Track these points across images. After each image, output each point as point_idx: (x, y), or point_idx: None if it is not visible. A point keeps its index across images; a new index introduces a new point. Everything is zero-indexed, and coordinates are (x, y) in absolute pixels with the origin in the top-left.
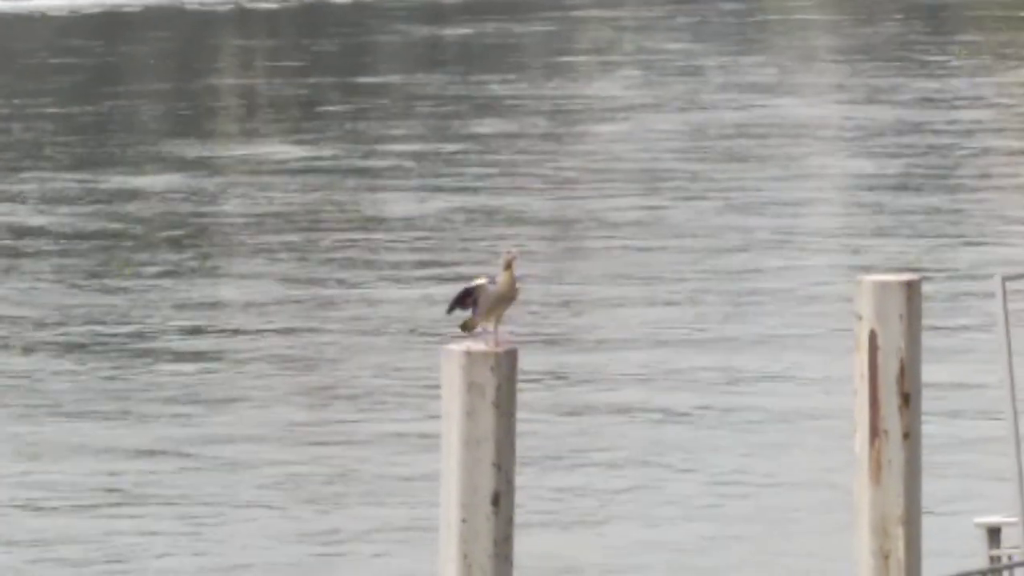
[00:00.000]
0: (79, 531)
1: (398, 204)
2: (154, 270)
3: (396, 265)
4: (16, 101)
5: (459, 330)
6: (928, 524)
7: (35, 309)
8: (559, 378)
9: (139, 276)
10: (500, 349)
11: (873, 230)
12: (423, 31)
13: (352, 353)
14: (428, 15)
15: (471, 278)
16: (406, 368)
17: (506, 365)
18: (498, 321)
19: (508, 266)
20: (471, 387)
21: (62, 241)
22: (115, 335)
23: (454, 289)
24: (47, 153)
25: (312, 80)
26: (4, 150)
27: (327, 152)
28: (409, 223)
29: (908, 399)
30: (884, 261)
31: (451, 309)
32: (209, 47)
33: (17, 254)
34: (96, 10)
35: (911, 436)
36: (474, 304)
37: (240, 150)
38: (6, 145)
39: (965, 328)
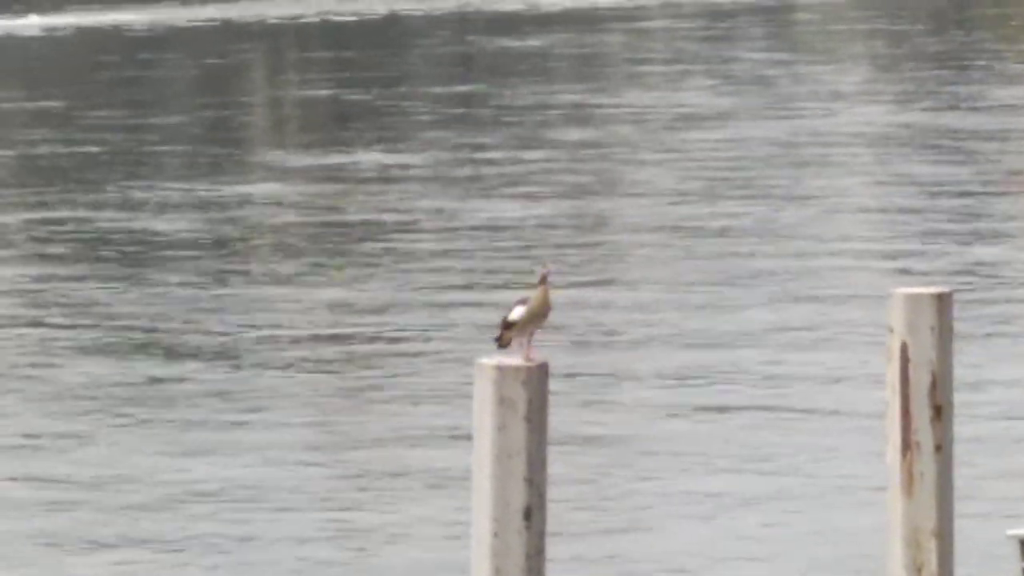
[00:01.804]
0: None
1: (494, 210)
2: (269, 275)
3: (494, 271)
4: (104, 113)
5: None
6: (960, 536)
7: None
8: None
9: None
10: (532, 363)
11: (959, 235)
12: (497, 43)
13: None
14: (500, 27)
15: (510, 307)
16: None
17: (537, 379)
18: (531, 336)
19: (543, 281)
20: (503, 401)
21: (182, 247)
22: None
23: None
24: (155, 161)
25: (400, 90)
26: (108, 160)
27: (418, 160)
28: (504, 229)
29: (940, 411)
30: (969, 266)
31: (500, 344)
32: (292, 59)
33: (138, 261)
34: (180, 23)
35: (943, 448)
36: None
37: (334, 159)
38: (110, 155)
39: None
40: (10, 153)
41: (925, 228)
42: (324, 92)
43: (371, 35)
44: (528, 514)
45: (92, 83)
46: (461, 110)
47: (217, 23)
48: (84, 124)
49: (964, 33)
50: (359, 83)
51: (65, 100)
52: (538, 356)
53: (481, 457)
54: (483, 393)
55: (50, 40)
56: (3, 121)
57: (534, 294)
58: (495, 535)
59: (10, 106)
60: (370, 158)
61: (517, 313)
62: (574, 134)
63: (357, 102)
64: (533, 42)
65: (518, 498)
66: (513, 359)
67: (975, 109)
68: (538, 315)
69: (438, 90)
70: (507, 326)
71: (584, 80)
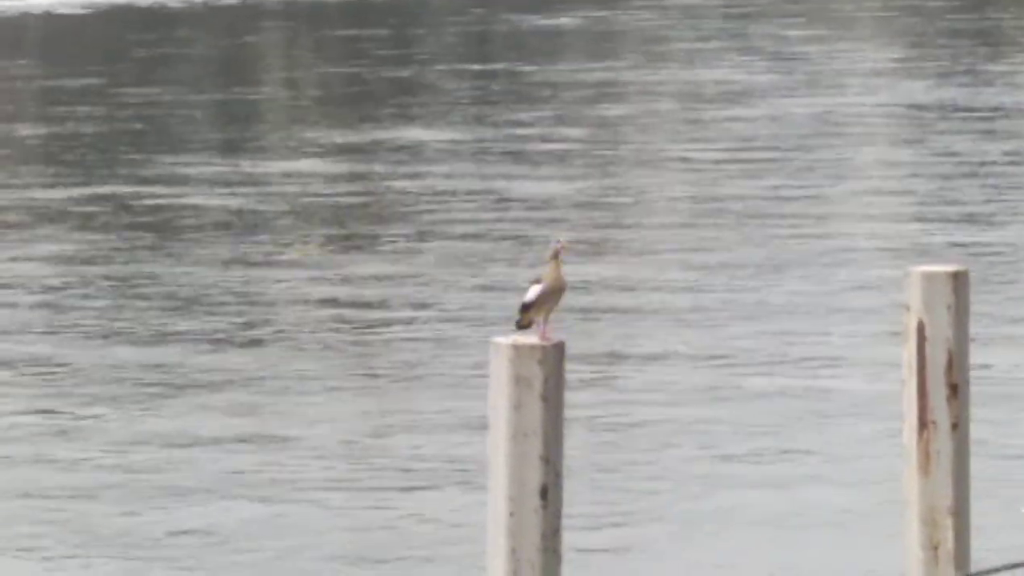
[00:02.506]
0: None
1: (539, 185)
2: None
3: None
4: (144, 90)
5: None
6: (977, 515)
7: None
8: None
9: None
10: (548, 342)
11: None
12: (528, 21)
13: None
14: (529, 5)
15: (524, 289)
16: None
17: (553, 358)
18: (548, 314)
19: (555, 256)
20: (518, 380)
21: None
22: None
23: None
24: (196, 138)
25: (436, 68)
26: (149, 137)
27: (458, 136)
28: (546, 206)
29: (956, 390)
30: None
31: (520, 326)
32: (327, 38)
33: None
34: (213, 2)
35: (959, 426)
36: (527, 308)
37: (375, 135)
38: (151, 132)
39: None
40: (57, 130)
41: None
42: (360, 70)
43: (402, 14)
44: (544, 493)
45: (129, 60)
46: (496, 87)
47: (252, 1)
48: (123, 101)
49: (1000, 10)
50: (394, 61)
51: (102, 77)
52: (554, 335)
53: (497, 436)
54: (499, 372)
55: (86, 17)
56: (44, 98)
57: (546, 272)
58: (511, 514)
59: (51, 83)
60: (409, 134)
61: (532, 293)
62: (611, 110)
63: (393, 79)
64: (563, 20)
65: (534, 477)
66: (529, 338)
67: (1013, 86)
68: (551, 293)
69: (474, 67)
70: (525, 308)
71: (615, 58)
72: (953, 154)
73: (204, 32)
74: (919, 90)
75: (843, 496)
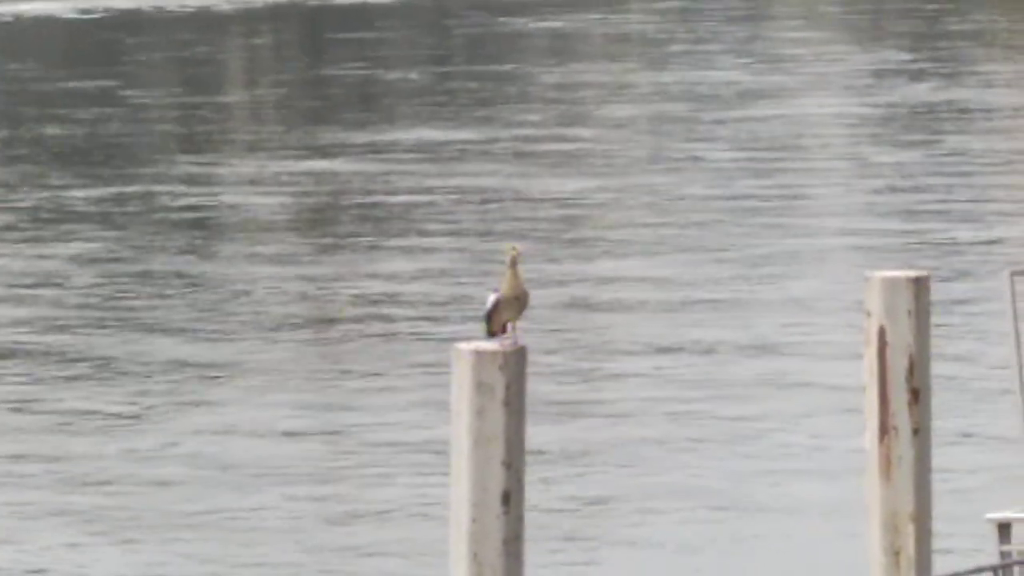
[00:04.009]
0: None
1: (549, 185)
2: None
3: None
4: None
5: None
6: (938, 520)
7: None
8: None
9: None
10: (509, 348)
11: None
12: (519, 24)
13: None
14: (526, 9)
15: (486, 298)
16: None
17: (515, 364)
18: (514, 321)
19: (512, 264)
20: (480, 386)
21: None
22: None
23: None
24: (214, 139)
25: (442, 70)
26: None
27: (468, 136)
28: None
29: (917, 395)
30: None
31: (490, 333)
32: (333, 40)
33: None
34: (219, 6)
35: (921, 432)
36: (489, 318)
37: (394, 135)
38: (167, 133)
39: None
40: (74, 132)
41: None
42: (368, 72)
43: (407, 17)
44: (507, 499)
45: (134, 64)
46: (504, 89)
47: (259, 6)
48: (135, 104)
49: (999, 13)
50: (402, 63)
51: (111, 80)
52: (514, 342)
53: (459, 442)
54: (461, 378)
55: (87, 22)
56: (54, 101)
57: (503, 280)
58: (473, 520)
59: (62, 86)
60: (420, 135)
61: (489, 302)
62: (618, 111)
63: (400, 81)
64: (556, 24)
65: (496, 483)
66: (491, 344)
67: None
68: (509, 301)
69: (478, 69)
70: (487, 318)
71: (618, 59)
72: (963, 153)
73: (208, 35)
74: (924, 91)
75: (817, 490)
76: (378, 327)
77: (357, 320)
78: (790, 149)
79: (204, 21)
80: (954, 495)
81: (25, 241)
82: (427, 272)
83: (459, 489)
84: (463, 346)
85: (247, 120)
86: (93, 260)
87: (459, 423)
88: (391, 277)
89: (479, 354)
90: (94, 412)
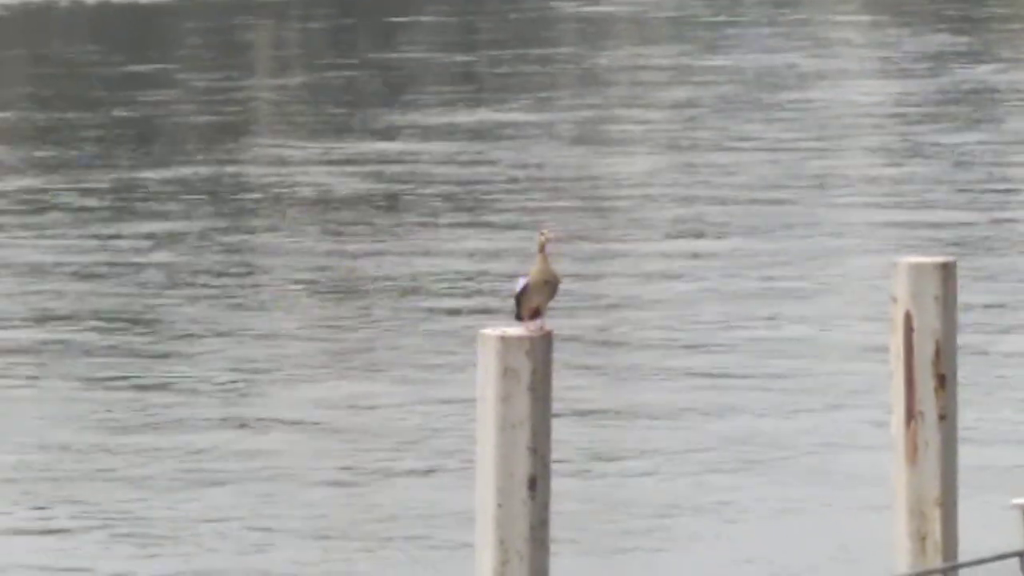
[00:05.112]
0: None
1: (616, 164)
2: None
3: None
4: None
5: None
6: (964, 506)
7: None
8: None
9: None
10: (535, 333)
11: None
12: (571, 7)
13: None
14: None
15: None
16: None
17: (541, 349)
18: (544, 306)
19: (541, 249)
20: (506, 372)
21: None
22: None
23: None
24: (283, 121)
25: (503, 53)
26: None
27: (533, 118)
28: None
29: (944, 380)
30: None
31: (518, 318)
32: (395, 24)
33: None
34: None
35: (947, 417)
36: (518, 303)
37: (450, 117)
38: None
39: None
40: (140, 113)
41: None
42: (427, 55)
43: (462, 2)
44: (533, 484)
45: (191, 48)
46: (563, 71)
47: None
48: (196, 87)
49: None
50: (459, 47)
51: (170, 64)
52: (540, 327)
53: (485, 428)
54: (486, 363)
55: (143, 8)
56: (118, 84)
57: (533, 266)
58: (499, 506)
59: (122, 70)
60: (486, 116)
61: (518, 286)
62: (678, 93)
63: (465, 63)
64: (610, 8)
65: (522, 468)
66: (518, 329)
67: None
68: (538, 285)
69: (535, 52)
70: (516, 301)
71: (672, 42)
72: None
73: (265, 20)
74: (983, 73)
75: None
76: (449, 303)
77: (431, 294)
78: (850, 129)
79: (259, 6)
80: (980, 481)
81: (102, 221)
82: (503, 252)
83: (484, 475)
84: (489, 331)
85: (310, 102)
86: (172, 238)
87: (485, 408)
88: (467, 254)
89: (505, 339)
90: (170, 386)
